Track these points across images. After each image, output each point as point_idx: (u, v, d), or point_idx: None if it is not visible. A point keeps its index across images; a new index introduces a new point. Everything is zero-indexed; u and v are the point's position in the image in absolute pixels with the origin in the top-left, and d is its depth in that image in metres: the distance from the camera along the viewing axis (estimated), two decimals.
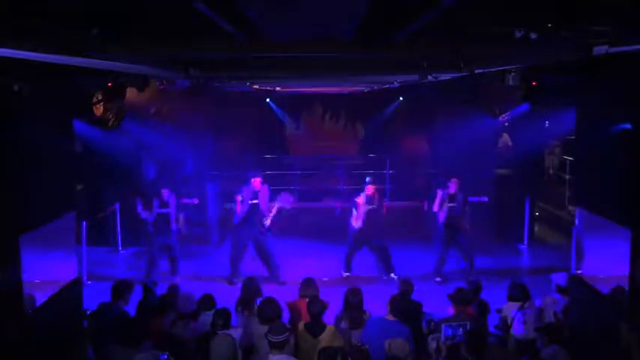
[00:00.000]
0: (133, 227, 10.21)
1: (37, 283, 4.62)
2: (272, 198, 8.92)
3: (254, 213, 8.72)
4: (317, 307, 5.27)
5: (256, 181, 8.77)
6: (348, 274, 9.10)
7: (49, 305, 4.55)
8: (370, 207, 8.76)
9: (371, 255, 9.21)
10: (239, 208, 8.73)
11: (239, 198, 8.71)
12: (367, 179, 8.96)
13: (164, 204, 8.83)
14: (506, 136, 11.82)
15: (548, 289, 6.54)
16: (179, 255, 9.07)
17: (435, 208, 8.88)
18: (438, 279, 8.93)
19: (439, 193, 8.85)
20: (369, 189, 8.85)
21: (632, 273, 4.33)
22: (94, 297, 6.61)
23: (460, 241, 8.97)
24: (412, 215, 12.12)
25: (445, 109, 11.81)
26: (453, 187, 8.78)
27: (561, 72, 5.58)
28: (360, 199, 8.79)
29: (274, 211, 8.81)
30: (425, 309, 5.91)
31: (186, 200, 10.76)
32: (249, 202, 8.71)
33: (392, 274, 8.93)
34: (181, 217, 9.43)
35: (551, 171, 15.06)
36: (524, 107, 8.87)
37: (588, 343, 5.07)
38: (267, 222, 8.77)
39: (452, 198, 8.78)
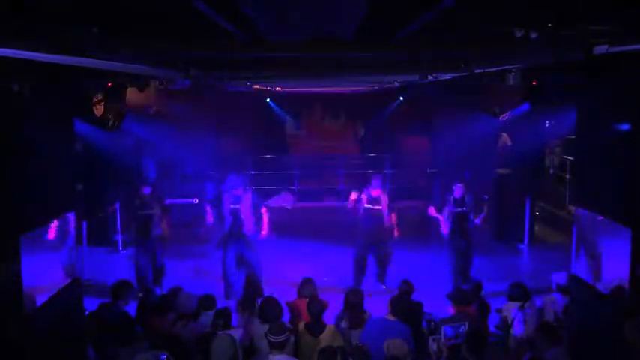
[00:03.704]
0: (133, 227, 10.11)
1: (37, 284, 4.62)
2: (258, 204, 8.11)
3: (235, 221, 7.93)
4: (317, 307, 5.27)
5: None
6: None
7: (49, 305, 4.55)
8: (374, 207, 8.41)
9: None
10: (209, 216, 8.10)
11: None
12: (373, 181, 8.49)
13: (145, 204, 8.09)
14: (505, 136, 11.81)
15: (548, 289, 6.54)
16: (164, 263, 8.34)
17: (442, 217, 8.46)
18: None
19: (447, 201, 8.48)
20: (376, 192, 8.44)
21: (632, 272, 4.34)
22: (94, 297, 6.61)
23: (465, 249, 8.46)
24: (411, 215, 12.11)
25: (445, 109, 11.80)
26: (458, 191, 8.40)
27: (561, 72, 5.57)
28: (364, 196, 8.45)
29: (265, 218, 8.02)
30: (425, 309, 5.91)
31: (186, 200, 10.74)
32: (230, 207, 7.90)
33: (382, 285, 8.59)
34: (165, 221, 8.31)
35: (551, 171, 15.04)
36: (524, 107, 8.86)
37: (588, 343, 5.07)
38: (263, 231, 7.99)
39: (459, 203, 8.42)
